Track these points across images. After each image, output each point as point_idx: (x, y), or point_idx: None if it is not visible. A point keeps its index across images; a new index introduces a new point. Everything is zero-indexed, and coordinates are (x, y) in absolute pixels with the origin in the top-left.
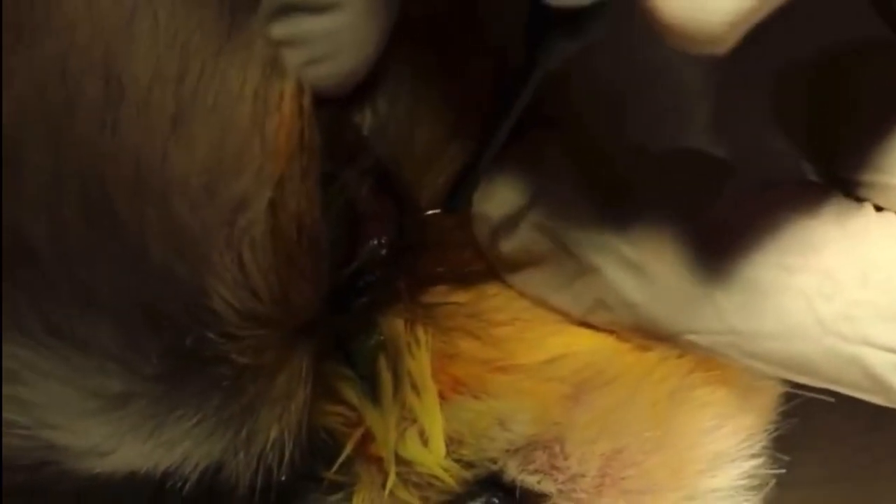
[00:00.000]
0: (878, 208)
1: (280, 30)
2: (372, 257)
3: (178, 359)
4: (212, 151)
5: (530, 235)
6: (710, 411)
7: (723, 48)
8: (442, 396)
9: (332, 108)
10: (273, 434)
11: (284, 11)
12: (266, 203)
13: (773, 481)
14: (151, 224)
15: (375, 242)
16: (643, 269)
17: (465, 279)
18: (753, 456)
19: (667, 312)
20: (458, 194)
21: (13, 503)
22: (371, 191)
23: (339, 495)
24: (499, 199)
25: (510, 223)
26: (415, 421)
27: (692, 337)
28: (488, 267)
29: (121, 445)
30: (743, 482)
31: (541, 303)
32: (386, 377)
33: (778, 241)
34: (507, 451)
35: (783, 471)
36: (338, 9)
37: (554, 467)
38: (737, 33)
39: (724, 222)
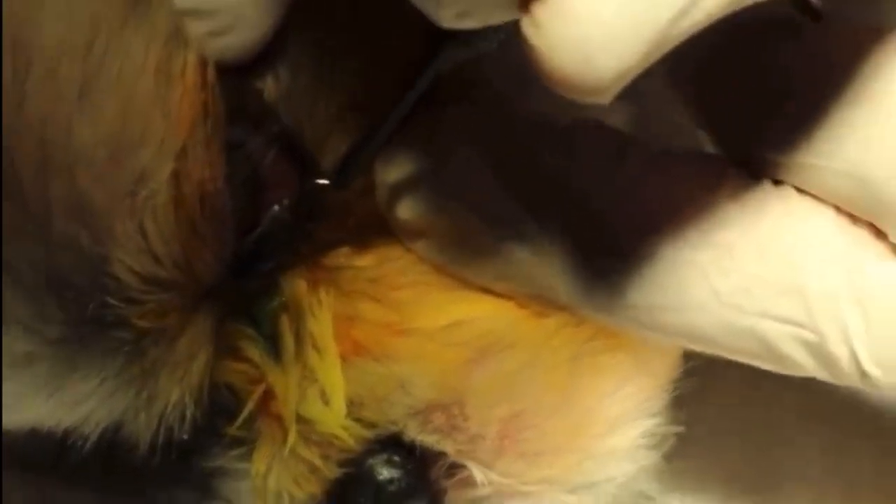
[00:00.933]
0: (776, 182)
1: (183, 1)
2: (275, 222)
3: (80, 324)
4: (115, 123)
5: (426, 206)
6: (610, 375)
7: (606, 99)
8: (343, 358)
9: (235, 75)
10: (174, 396)
11: None
12: (168, 174)
13: (674, 438)
14: (56, 195)
15: (278, 208)
16: (540, 243)
17: (367, 242)
18: (652, 416)
19: (564, 286)
20: (346, 170)
21: None
22: (275, 157)
23: (241, 450)
24: (397, 166)
25: (407, 192)
26: (316, 381)
27: (589, 310)
28: (392, 230)
29: (23, 403)
30: (642, 441)
31: (440, 269)
32: (287, 337)
33: (676, 215)
34: (408, 413)
35: (682, 428)
36: None
37: (454, 428)
38: (620, 86)
39: (624, 194)
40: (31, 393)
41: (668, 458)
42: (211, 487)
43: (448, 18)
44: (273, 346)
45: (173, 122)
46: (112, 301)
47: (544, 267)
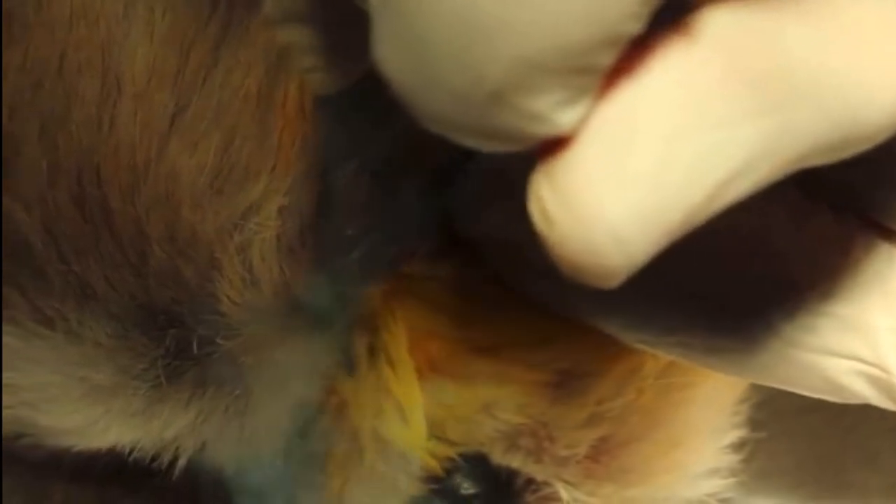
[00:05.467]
0: (835, 206)
1: (282, 35)
2: (362, 236)
3: (177, 359)
4: (217, 152)
5: (496, 225)
6: (693, 393)
7: (615, 283)
8: (420, 374)
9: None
10: (269, 421)
11: (286, 18)
12: (276, 208)
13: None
14: (152, 222)
15: (367, 223)
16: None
17: (449, 250)
18: (736, 427)
19: (617, 322)
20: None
21: None
22: (368, 182)
23: (313, 462)
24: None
25: (479, 205)
26: (392, 397)
27: (642, 345)
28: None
29: (106, 430)
30: (727, 454)
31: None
32: (360, 349)
33: (737, 248)
34: (494, 436)
35: (764, 434)
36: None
37: (541, 450)
38: (629, 272)
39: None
40: (113, 422)
41: (746, 460)
42: None
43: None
44: (346, 357)
45: (278, 155)
46: (214, 335)
47: (596, 304)
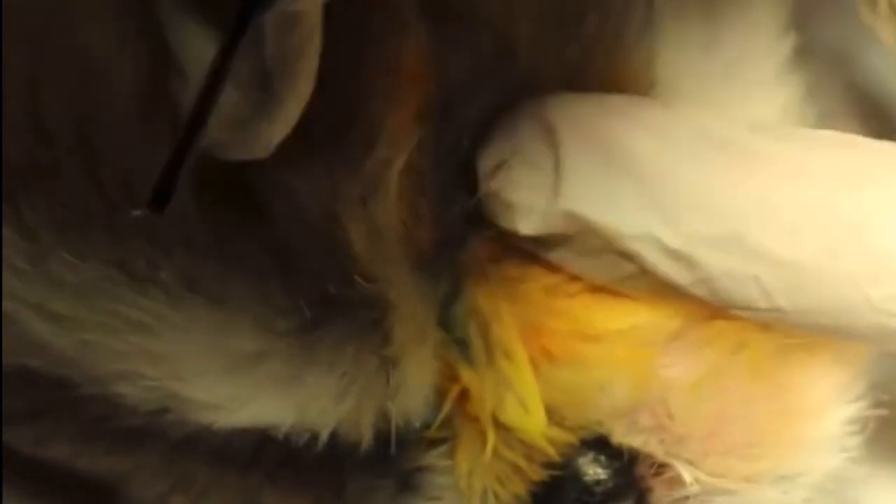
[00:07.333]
0: None
1: None
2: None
3: (318, 306)
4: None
5: (553, 220)
6: (810, 364)
7: None
8: (535, 365)
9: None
10: (417, 384)
11: None
12: (398, 170)
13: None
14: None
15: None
16: (683, 253)
17: (534, 254)
18: (856, 399)
19: (710, 293)
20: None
21: (131, 445)
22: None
23: (441, 448)
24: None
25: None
26: (511, 387)
27: (739, 312)
28: None
29: (247, 404)
30: (847, 428)
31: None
32: (477, 343)
33: (823, 218)
34: (613, 415)
35: (886, 411)
36: None
37: (661, 428)
38: None
39: (768, 191)
40: (256, 394)
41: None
42: (411, 481)
43: None
44: (465, 350)
45: (403, 114)
46: (358, 279)
47: (687, 275)
